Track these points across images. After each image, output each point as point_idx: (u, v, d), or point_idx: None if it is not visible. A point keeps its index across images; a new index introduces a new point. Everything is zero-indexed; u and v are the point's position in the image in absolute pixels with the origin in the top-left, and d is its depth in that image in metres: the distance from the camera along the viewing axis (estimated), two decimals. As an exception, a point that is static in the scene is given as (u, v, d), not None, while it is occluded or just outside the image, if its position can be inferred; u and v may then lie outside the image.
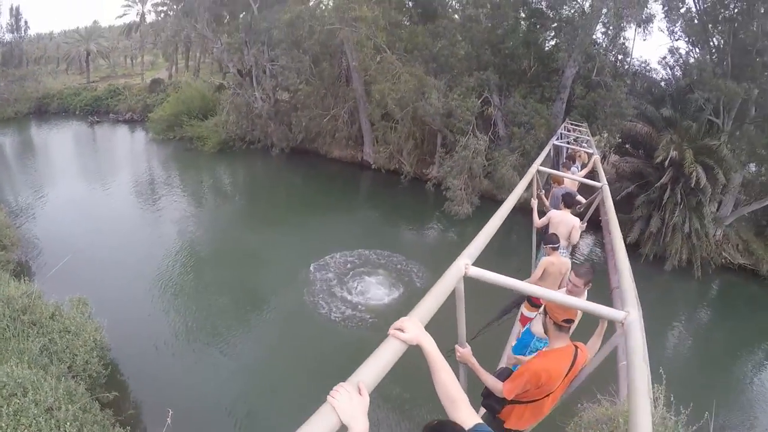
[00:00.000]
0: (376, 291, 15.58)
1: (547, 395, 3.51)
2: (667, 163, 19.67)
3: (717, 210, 21.65)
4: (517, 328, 7.20)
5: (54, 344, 9.18)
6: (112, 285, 14.65)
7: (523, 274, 9.98)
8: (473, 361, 3.34)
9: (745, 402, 13.37)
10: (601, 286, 5.46)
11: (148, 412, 10.15)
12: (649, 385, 2.36)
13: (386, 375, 1.76)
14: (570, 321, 3.44)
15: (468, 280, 2.76)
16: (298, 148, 31.15)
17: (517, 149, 23.18)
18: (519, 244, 20.27)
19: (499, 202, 17.85)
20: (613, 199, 7.09)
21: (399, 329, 1.89)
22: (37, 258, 16.18)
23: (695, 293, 19.61)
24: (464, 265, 2.76)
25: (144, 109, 40.09)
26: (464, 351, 3.24)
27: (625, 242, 5.45)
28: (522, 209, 22.84)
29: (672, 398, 5.90)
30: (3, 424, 6.50)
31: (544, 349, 3.65)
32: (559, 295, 3.03)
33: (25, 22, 40.33)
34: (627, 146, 25.51)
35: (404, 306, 14.88)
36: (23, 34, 38.41)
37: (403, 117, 24.96)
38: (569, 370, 3.47)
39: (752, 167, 22.16)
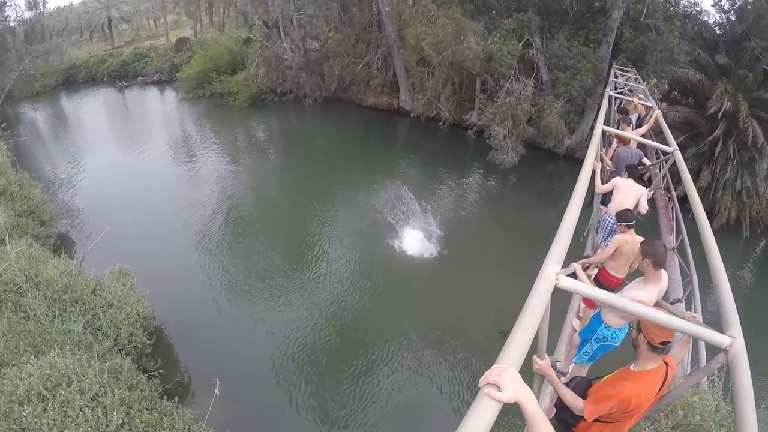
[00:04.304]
0: (417, 244, 15.32)
1: (631, 417, 3.31)
2: (720, 114, 18.61)
3: (768, 167, 20.45)
4: (577, 303, 6.61)
5: (97, 320, 9.10)
6: (154, 251, 14.61)
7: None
8: (552, 374, 3.20)
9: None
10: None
11: (197, 378, 10.10)
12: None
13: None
14: (667, 343, 3.11)
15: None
16: (332, 97, 30.71)
17: (562, 95, 22.18)
18: (562, 195, 19.42)
19: (542, 151, 17.29)
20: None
21: (494, 385, 1.60)
22: (78, 229, 16.16)
23: (742, 253, 18.80)
24: (555, 274, 2.47)
25: (171, 69, 39.81)
26: (542, 363, 3.11)
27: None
28: (566, 157, 21.85)
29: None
30: (50, 420, 6.37)
31: (634, 369, 3.27)
32: (662, 315, 2.72)
33: (42, -3, 40.12)
34: (675, 93, 24.17)
35: (441, 258, 14.67)
36: (42, 10, 38.19)
37: (441, 62, 23.93)
38: (659, 391, 3.26)
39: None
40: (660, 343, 3.05)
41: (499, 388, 1.58)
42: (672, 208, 8.89)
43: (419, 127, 26.77)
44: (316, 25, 27.72)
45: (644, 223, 17.29)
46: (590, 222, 8.00)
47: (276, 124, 29.91)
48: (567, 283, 2.50)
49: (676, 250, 7.59)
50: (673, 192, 9.08)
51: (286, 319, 12.01)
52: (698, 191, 18.40)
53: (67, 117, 33.13)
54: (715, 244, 3.88)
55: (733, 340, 2.54)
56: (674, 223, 8.40)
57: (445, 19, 22.89)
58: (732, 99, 18.57)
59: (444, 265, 14.44)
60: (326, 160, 23.33)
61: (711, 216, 18.62)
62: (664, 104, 24.31)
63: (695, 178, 19.02)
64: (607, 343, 4.97)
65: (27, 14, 35.59)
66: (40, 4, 36.80)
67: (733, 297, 3.02)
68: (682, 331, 2.73)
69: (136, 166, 22.16)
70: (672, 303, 6.07)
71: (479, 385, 1.62)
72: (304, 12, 28.28)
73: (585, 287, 2.62)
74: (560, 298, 6.49)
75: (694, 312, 5.58)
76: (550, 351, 5.86)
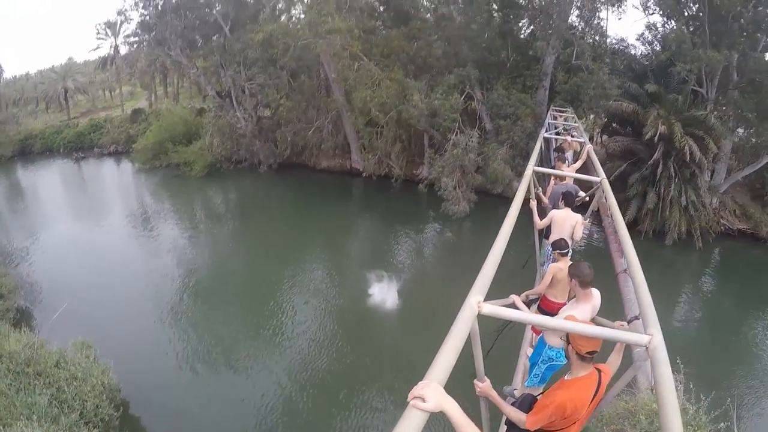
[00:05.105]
0: (381, 297, 15.42)
1: (573, 423, 3.44)
2: (656, 138, 19.63)
3: (710, 179, 21.65)
4: (530, 334, 6.97)
5: (62, 393, 9.02)
6: (116, 322, 14.42)
7: (524, 276, 9.72)
8: (494, 395, 3.33)
9: (763, 366, 13.14)
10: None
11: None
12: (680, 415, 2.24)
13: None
14: (594, 353, 3.31)
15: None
16: (286, 163, 31.26)
17: (505, 141, 23.07)
18: (515, 241, 20.06)
19: (494, 197, 17.67)
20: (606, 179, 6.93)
21: (419, 397, 1.78)
22: (38, 302, 15.93)
23: (698, 263, 19.57)
24: (477, 303, 2.62)
25: (127, 140, 40.00)
26: (484, 385, 3.22)
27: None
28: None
29: (692, 385, 5.68)
30: None
31: (567, 379, 3.50)
32: (583, 327, 2.93)
33: (-1, 66, 40.41)
34: (614, 125, 25.43)
35: (406, 309, 14.90)
36: (-2, 79, 38.25)
37: (388, 122, 24.87)
38: (594, 396, 3.39)
39: (740, 131, 22.28)
40: (588, 353, 3.25)
41: (423, 400, 1.77)
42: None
43: (373, 185, 27.38)
44: (267, 94, 28.55)
45: (598, 248, 17.97)
46: (537, 261, 8.42)
47: (233, 192, 30.23)
48: (488, 309, 2.66)
49: (628, 272, 7.97)
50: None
51: (259, 384, 11.89)
52: (646, 213, 20.19)
53: (23, 189, 32.91)
54: (636, 258, 4.22)
55: (651, 337, 2.70)
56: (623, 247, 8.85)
57: (388, 81, 23.87)
58: (666, 122, 19.58)
59: (409, 314, 14.64)
60: (284, 225, 23.58)
61: (662, 234, 19.68)
62: (605, 137, 25.64)
63: (642, 202, 20.21)
64: (553, 362, 5.24)
65: (-18, 83, 35.48)
66: (-3, 73, 36.80)
67: (652, 301, 3.23)
68: (603, 337, 2.90)
69: (95, 239, 22.05)
70: (630, 321, 6.48)
71: (407, 399, 1.79)
72: (255, 81, 29.07)
73: (505, 311, 2.77)
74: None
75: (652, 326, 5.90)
76: (507, 381, 6.27)
